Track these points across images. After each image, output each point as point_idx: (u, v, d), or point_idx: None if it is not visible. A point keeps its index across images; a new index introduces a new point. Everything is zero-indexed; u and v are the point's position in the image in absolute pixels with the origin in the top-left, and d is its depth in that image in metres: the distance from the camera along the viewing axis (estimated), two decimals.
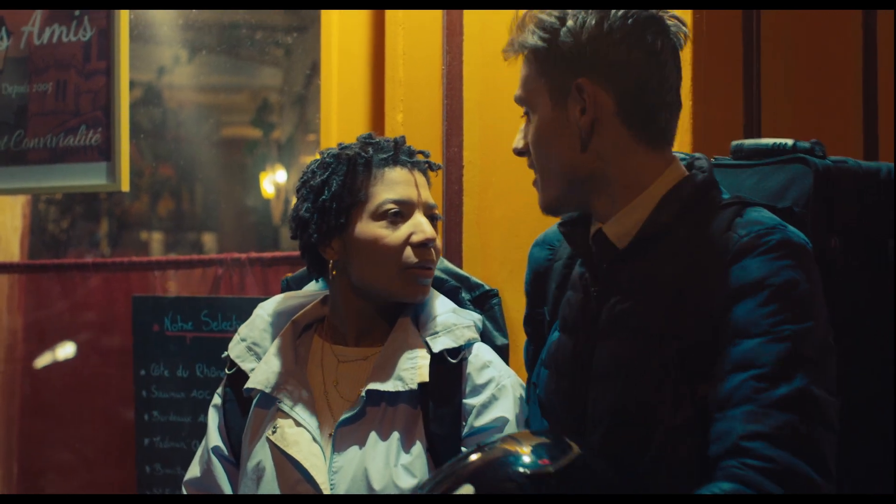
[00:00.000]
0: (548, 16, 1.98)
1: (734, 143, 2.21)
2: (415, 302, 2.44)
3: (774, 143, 2.12)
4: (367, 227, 2.40)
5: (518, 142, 2.09)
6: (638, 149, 1.99)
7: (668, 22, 2.00)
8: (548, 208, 2.08)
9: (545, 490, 1.78)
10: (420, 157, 2.50)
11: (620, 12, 1.95)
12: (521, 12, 2.06)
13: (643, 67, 1.97)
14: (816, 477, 1.73)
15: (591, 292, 2.05)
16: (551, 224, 2.80)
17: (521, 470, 1.81)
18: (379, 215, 2.40)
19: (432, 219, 2.46)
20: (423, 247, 2.39)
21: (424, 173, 2.48)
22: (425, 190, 2.46)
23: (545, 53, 1.99)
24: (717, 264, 1.88)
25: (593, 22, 1.95)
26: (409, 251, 2.39)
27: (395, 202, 2.40)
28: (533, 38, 1.99)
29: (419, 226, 2.40)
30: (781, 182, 2.06)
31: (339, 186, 2.41)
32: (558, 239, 2.23)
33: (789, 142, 2.10)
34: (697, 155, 2.08)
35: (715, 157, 2.20)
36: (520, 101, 2.07)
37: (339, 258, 2.45)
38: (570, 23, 1.96)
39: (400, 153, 2.45)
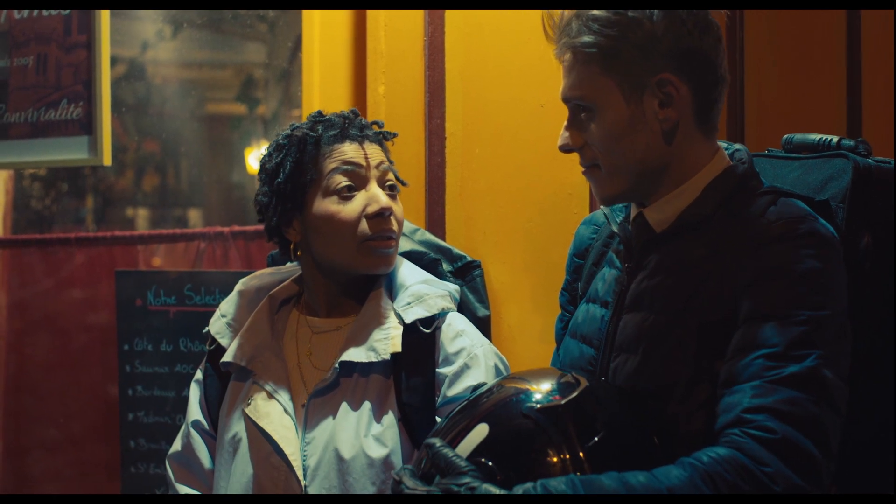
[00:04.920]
0: (602, 11, 1.94)
1: (785, 136, 2.21)
2: (377, 273, 2.43)
3: (820, 139, 2.13)
4: (322, 205, 2.39)
5: (567, 139, 2.04)
6: (698, 138, 2.01)
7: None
8: (610, 200, 2.07)
9: (558, 422, 1.79)
10: (375, 128, 2.48)
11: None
12: (553, 11, 2.02)
13: (714, 55, 1.97)
14: (816, 452, 1.73)
15: (623, 268, 2.08)
16: (534, 195, 2.82)
17: (533, 405, 1.83)
18: (331, 192, 2.39)
19: (392, 188, 2.44)
20: (378, 217, 2.38)
21: (380, 145, 2.47)
22: (378, 160, 2.43)
23: (614, 49, 1.94)
24: (744, 248, 1.89)
25: (661, 13, 1.93)
26: (364, 224, 2.38)
27: (344, 173, 2.39)
28: (593, 36, 1.95)
29: (373, 197, 2.39)
30: (823, 177, 2.07)
31: (291, 168, 2.40)
32: (603, 220, 2.24)
33: (834, 138, 2.11)
34: (737, 146, 2.09)
35: (769, 149, 2.23)
36: (577, 99, 2.01)
37: (301, 238, 2.45)
38: (634, 16, 1.93)
39: (349, 128, 2.43)
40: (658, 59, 1.94)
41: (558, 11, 2.02)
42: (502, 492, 1.70)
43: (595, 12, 1.95)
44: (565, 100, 2.03)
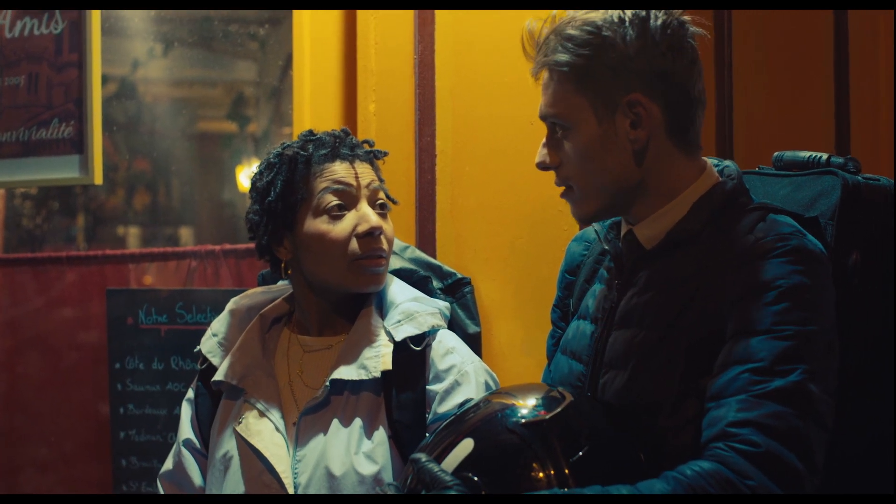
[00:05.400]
0: (577, 30, 1.97)
1: (775, 153, 2.23)
2: (367, 291, 2.44)
3: (810, 156, 2.14)
4: (312, 224, 2.40)
5: (545, 157, 2.06)
6: (677, 156, 2.01)
7: (692, 27, 2.01)
8: (586, 219, 2.09)
9: (543, 437, 1.80)
10: (366, 147, 2.49)
11: (659, 21, 1.96)
12: (534, 27, 2.04)
13: (687, 76, 1.98)
14: (800, 466, 1.73)
15: (613, 285, 2.08)
16: (524, 212, 2.82)
17: (518, 420, 1.84)
18: (321, 211, 2.39)
19: (381, 207, 2.45)
20: (368, 236, 2.39)
21: (371, 163, 2.48)
22: (368, 179, 2.44)
23: (587, 69, 1.97)
24: (733, 264, 1.90)
25: (635, 34, 1.94)
26: (354, 242, 2.38)
27: (335, 193, 2.39)
28: (568, 55, 1.97)
29: (364, 216, 2.39)
30: (812, 194, 2.07)
31: (282, 187, 2.41)
32: (594, 236, 2.25)
33: (824, 155, 2.12)
34: (727, 162, 2.10)
35: (759, 167, 2.24)
36: (552, 117, 2.03)
37: (292, 257, 2.45)
38: (608, 35, 1.95)
39: (340, 147, 2.44)
40: (630, 80, 1.96)
41: (539, 26, 2.03)
42: None
43: (570, 31, 1.97)
44: (542, 117, 2.05)
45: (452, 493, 1.72)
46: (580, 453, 1.80)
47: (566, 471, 1.78)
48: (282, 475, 2.33)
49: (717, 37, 2.93)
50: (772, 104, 2.96)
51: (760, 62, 2.97)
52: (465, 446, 1.83)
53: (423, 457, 1.83)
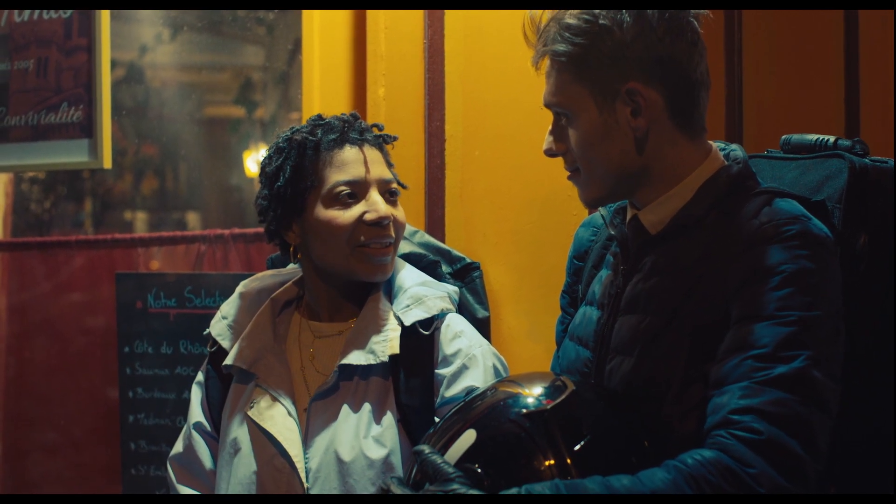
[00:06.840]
0: (575, 19, 1.95)
1: (783, 137, 2.21)
2: (373, 280, 2.43)
3: (817, 139, 2.13)
4: (322, 211, 2.39)
5: (551, 144, 2.06)
6: (681, 141, 2.00)
7: (692, 8, 1.99)
8: (592, 204, 2.09)
9: (544, 427, 1.80)
10: (375, 132, 2.48)
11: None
12: (535, 14, 2.03)
13: (687, 59, 1.96)
14: (802, 453, 1.72)
15: (619, 271, 2.08)
16: (533, 197, 2.82)
17: (520, 410, 1.84)
18: (331, 198, 2.39)
19: (391, 194, 2.44)
20: (377, 225, 2.38)
21: (380, 148, 2.47)
22: (378, 166, 2.43)
23: (583, 58, 1.95)
24: (737, 249, 1.89)
25: (632, 20, 1.93)
26: (360, 229, 2.37)
27: (346, 184, 2.39)
28: (566, 44, 1.96)
29: (373, 204, 2.39)
30: (819, 177, 2.06)
31: (291, 172, 2.40)
32: (602, 222, 2.24)
33: (831, 138, 2.11)
34: (733, 146, 2.09)
35: (767, 150, 2.22)
36: (554, 106, 2.03)
37: (301, 242, 2.45)
38: (604, 23, 1.93)
39: (349, 132, 2.43)
40: (627, 68, 1.94)
41: (539, 13, 2.03)
42: None
43: (569, 19, 1.96)
44: (546, 105, 2.05)
45: (455, 485, 1.71)
46: (582, 443, 1.79)
47: (568, 461, 1.77)
48: (294, 459, 2.33)
49: (727, 22, 2.93)
50: (782, 89, 2.95)
51: (770, 47, 2.96)
52: (468, 437, 1.83)
53: (426, 448, 1.83)
